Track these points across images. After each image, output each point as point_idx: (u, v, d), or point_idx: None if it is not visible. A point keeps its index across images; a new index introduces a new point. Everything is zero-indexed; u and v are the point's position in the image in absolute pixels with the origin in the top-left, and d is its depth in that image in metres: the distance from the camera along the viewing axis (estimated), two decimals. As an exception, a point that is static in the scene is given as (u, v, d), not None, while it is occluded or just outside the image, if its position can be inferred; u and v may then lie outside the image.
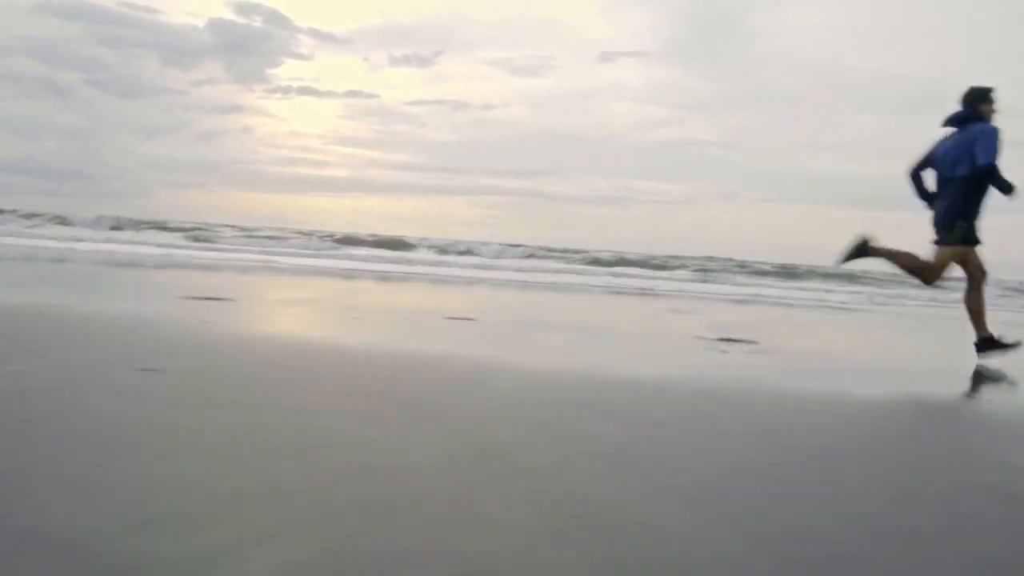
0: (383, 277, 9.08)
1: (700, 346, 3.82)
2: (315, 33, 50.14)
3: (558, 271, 13.50)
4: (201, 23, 48.13)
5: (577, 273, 13.31)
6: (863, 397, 2.63)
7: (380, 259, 13.47)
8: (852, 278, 16.29)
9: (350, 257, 13.56)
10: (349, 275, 9.01)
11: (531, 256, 17.81)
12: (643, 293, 9.30)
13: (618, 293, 9.13)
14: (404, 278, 9.21)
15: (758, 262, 18.23)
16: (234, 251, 13.07)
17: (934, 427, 2.22)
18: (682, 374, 2.90)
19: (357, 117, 48.92)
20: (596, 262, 16.58)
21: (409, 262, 13.43)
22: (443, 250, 18.05)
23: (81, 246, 11.44)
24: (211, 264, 9.41)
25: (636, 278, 12.72)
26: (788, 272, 16.73)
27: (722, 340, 3.98)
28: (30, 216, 18.16)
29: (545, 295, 8.07)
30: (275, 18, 48.90)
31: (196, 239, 15.84)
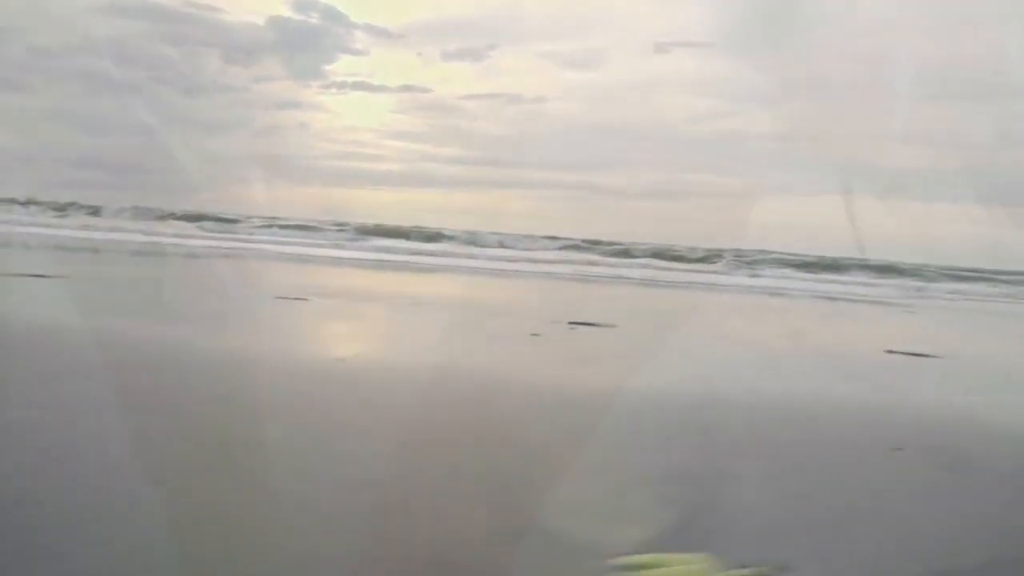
0: (320, 262, 8.87)
1: (532, 328, 3.39)
2: (370, 28, 50.50)
3: (558, 262, 13.03)
4: (261, 21, 49.25)
5: (590, 263, 12.81)
6: (591, 385, 2.21)
7: (372, 249, 13.29)
8: (902, 272, 15.26)
9: (340, 247, 13.45)
10: (292, 260, 8.87)
11: (565, 248, 17.38)
12: (616, 281, 8.81)
13: (582, 281, 8.67)
14: (355, 264, 8.98)
15: (810, 255, 17.29)
16: (221, 240, 13.04)
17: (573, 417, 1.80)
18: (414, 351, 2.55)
19: (410, 112, 49.00)
20: (626, 254, 15.98)
21: (408, 251, 13.21)
22: (473, 243, 17.77)
23: (52, 231, 11.70)
24: (152, 250, 9.38)
25: (655, 270, 12.18)
26: (833, 265, 15.79)
27: (574, 324, 3.53)
28: (63, 207, 18.69)
29: (481, 281, 7.72)
30: (331, 14, 49.47)
31: (206, 229, 15.97)
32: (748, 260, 15.75)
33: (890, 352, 3.29)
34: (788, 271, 14.52)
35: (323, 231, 17.86)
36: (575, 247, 17.43)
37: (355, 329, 3.38)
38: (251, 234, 15.25)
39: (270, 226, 17.80)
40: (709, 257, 15.97)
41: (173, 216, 17.97)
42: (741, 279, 11.40)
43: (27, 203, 18.38)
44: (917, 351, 3.20)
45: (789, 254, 17.14)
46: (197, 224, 16.73)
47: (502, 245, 17.59)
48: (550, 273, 9.38)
